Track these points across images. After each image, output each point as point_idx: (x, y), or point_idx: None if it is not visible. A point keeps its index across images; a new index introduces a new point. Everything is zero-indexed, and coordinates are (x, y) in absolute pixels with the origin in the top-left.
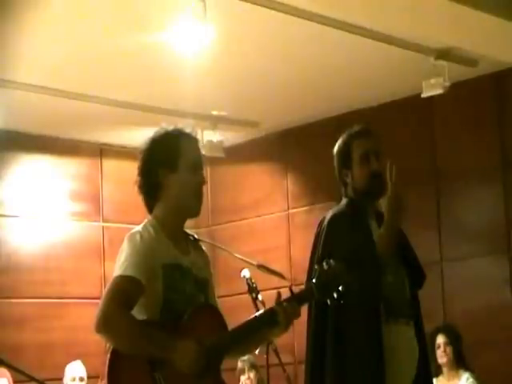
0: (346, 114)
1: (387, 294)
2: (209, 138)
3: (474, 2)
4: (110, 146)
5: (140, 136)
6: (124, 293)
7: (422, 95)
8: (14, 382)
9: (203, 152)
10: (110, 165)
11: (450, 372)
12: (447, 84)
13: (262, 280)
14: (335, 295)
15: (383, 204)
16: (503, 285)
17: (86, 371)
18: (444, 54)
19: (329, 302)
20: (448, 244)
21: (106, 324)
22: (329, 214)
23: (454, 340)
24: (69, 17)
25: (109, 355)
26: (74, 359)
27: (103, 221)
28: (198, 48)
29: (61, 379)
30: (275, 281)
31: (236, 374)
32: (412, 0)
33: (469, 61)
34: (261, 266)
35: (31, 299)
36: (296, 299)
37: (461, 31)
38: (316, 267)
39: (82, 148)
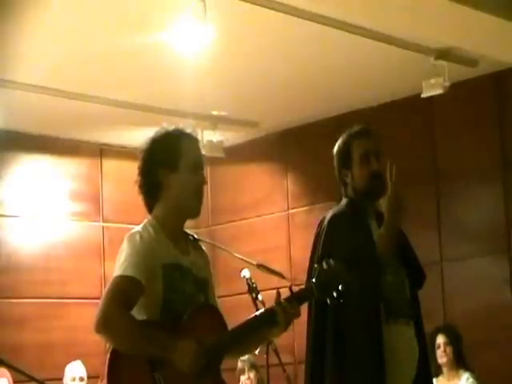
0: (346, 114)
1: (387, 294)
2: (209, 138)
3: (473, 2)
4: (110, 146)
5: (140, 136)
6: (124, 293)
7: (422, 95)
8: (14, 382)
9: (203, 152)
10: (110, 165)
11: (450, 372)
12: (447, 84)
13: (262, 280)
14: (335, 294)
15: (383, 204)
16: (503, 285)
17: (86, 371)
18: (444, 54)
19: (328, 301)
20: (448, 244)
21: (105, 324)
22: (329, 214)
23: (454, 340)
24: (69, 17)
25: (108, 355)
26: (74, 359)
27: (103, 221)
28: (198, 48)
29: (61, 379)
30: (275, 281)
31: (236, 374)
32: (412, 0)
33: (469, 61)
34: (260, 266)
35: (31, 299)
36: (296, 299)
37: (461, 31)
38: (316, 267)
39: (82, 148)
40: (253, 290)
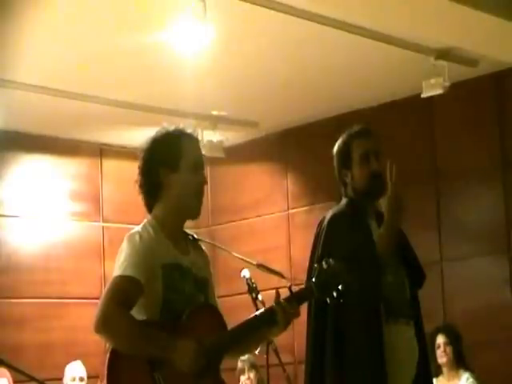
0: (346, 114)
1: (387, 294)
2: (209, 138)
3: (474, 2)
4: (110, 146)
5: (140, 136)
6: (123, 293)
7: (422, 95)
8: (14, 382)
9: (203, 152)
10: (110, 165)
11: (450, 372)
12: (447, 84)
13: (262, 280)
14: (335, 294)
15: (383, 204)
16: (503, 285)
17: (86, 371)
18: (444, 54)
19: (328, 300)
20: (448, 244)
21: (105, 324)
22: (329, 214)
23: (454, 340)
24: (69, 17)
25: (108, 355)
26: (74, 359)
27: (103, 221)
28: (198, 48)
29: (61, 379)
30: (275, 281)
31: (236, 374)
32: (412, 0)
33: (469, 61)
34: (260, 266)
35: (31, 299)
36: (295, 298)
37: (461, 31)
38: (316, 266)
39: (82, 148)
40: (253, 290)
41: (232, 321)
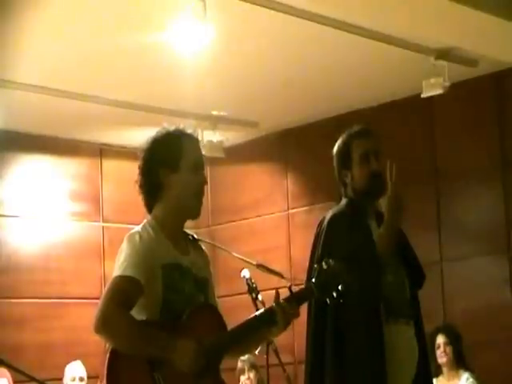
0: (346, 114)
1: (387, 293)
2: (209, 138)
3: (474, 2)
4: (110, 146)
5: (140, 136)
6: (123, 293)
7: (422, 95)
8: (14, 382)
9: (203, 152)
10: (110, 165)
11: (450, 372)
12: (447, 84)
13: (262, 280)
14: (335, 294)
15: (383, 204)
16: (503, 285)
17: (86, 371)
18: (444, 54)
19: (328, 301)
20: (448, 244)
21: (105, 324)
22: (329, 214)
23: (454, 340)
24: (69, 17)
25: (108, 355)
26: (74, 359)
27: (103, 221)
28: (198, 48)
29: (61, 379)
30: (275, 281)
31: (236, 373)
32: (412, 0)
33: (469, 61)
34: (260, 266)
35: (31, 299)
36: (295, 299)
37: (461, 31)
38: (316, 266)
39: (82, 148)
40: (253, 290)
41: (232, 321)
